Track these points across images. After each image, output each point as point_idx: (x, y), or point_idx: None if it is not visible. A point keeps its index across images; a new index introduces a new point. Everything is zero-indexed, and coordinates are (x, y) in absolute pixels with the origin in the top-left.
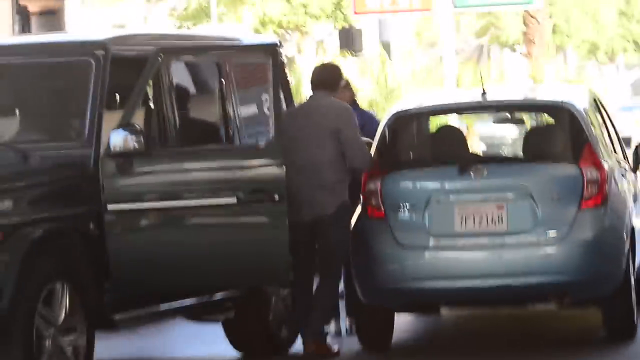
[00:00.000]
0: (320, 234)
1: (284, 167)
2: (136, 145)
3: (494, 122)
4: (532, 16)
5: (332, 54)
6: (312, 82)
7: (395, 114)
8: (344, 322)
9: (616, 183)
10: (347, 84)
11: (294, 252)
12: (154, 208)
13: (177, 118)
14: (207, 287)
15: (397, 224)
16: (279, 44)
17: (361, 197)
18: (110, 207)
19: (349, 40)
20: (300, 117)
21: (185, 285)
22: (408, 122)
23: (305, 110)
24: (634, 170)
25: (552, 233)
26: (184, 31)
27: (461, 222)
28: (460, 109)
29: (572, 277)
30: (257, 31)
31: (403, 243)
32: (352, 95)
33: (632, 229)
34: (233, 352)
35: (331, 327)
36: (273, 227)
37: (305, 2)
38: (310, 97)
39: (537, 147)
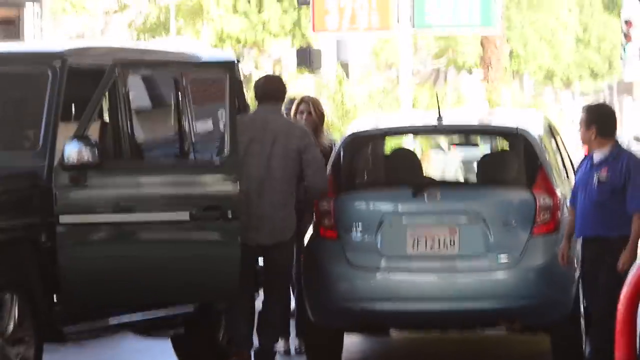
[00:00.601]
0: (270, 254)
1: (238, 183)
2: (90, 158)
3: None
4: (490, 40)
5: (290, 72)
6: (259, 94)
7: (351, 135)
8: (294, 342)
9: (568, 211)
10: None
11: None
12: (106, 221)
13: (132, 131)
14: (157, 301)
15: (349, 244)
16: (236, 60)
17: (313, 216)
18: (62, 218)
19: (306, 58)
20: (255, 130)
21: (135, 300)
22: (363, 143)
23: (259, 124)
24: None
25: (503, 258)
26: (142, 45)
27: (413, 245)
28: (416, 132)
29: (522, 302)
30: (215, 46)
31: (355, 263)
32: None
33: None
34: None
35: (280, 346)
36: (225, 244)
37: (264, 20)
38: (261, 109)
39: (491, 172)
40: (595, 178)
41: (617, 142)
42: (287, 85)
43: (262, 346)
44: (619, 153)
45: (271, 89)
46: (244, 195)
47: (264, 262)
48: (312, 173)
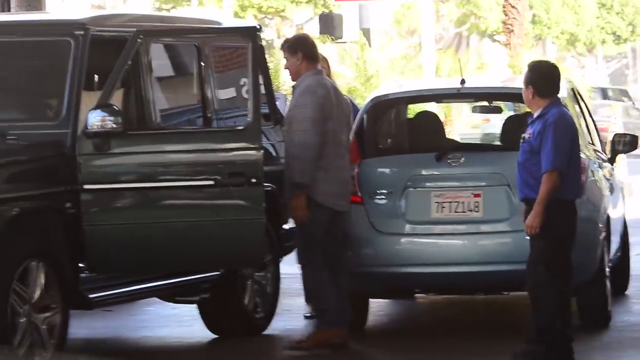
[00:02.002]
0: (341, 221)
1: (261, 150)
2: (114, 126)
3: (472, 111)
4: (512, 6)
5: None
6: (313, 55)
7: (373, 99)
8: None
9: (593, 174)
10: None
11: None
12: (131, 188)
13: (155, 100)
14: (182, 268)
15: (374, 209)
16: (258, 27)
17: None
18: (86, 186)
19: (328, 25)
20: (330, 95)
21: (160, 266)
22: (386, 108)
23: (337, 90)
24: (611, 161)
25: None
26: (163, 13)
27: (437, 209)
28: (439, 96)
29: None
30: (237, 15)
31: (379, 229)
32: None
33: (608, 219)
34: (208, 334)
35: (308, 311)
36: (249, 210)
37: None
38: (322, 73)
39: (514, 136)
40: (522, 138)
41: (553, 101)
42: None
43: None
44: (546, 113)
45: (316, 50)
46: (336, 161)
47: (331, 230)
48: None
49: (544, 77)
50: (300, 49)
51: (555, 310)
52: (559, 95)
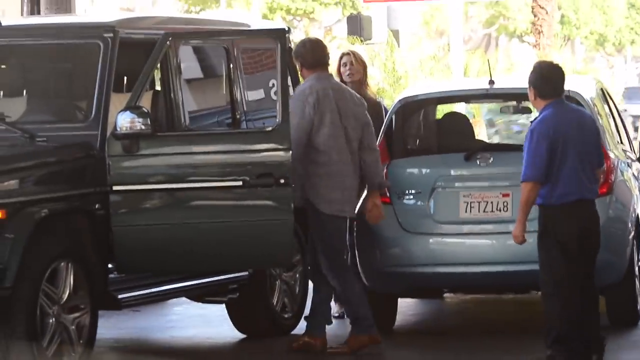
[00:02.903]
0: (349, 227)
1: (290, 151)
2: (142, 127)
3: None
4: (540, 6)
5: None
6: (311, 61)
7: (402, 100)
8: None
9: (622, 173)
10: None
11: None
12: (159, 189)
13: (184, 101)
14: (210, 268)
15: (402, 209)
16: (287, 29)
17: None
18: (115, 187)
19: (357, 27)
20: (328, 100)
21: (189, 267)
22: (415, 108)
23: (339, 94)
24: None
25: None
26: (192, 15)
27: (466, 209)
28: (467, 97)
29: None
30: (265, 17)
31: (408, 229)
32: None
33: (637, 219)
34: (236, 334)
35: (334, 311)
36: (278, 210)
37: None
38: (328, 76)
39: None
40: None
41: (552, 102)
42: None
43: (364, 319)
44: (539, 116)
45: (322, 54)
46: (333, 168)
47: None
48: (372, 145)
49: (543, 78)
50: (298, 57)
51: (560, 317)
52: (588, 96)
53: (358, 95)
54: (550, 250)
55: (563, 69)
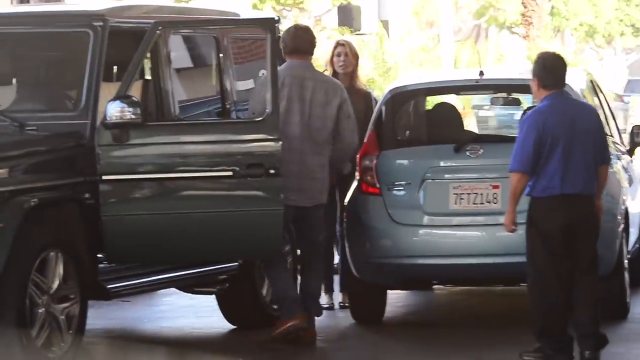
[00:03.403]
0: (307, 217)
1: (280, 141)
2: (132, 117)
3: (491, 102)
4: None
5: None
6: (297, 46)
7: (392, 90)
8: (337, 297)
9: (611, 165)
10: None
11: None
12: (149, 179)
13: (174, 90)
14: (200, 259)
15: (392, 201)
16: (277, 19)
17: (356, 173)
18: (105, 177)
19: (347, 17)
20: (294, 88)
21: (179, 257)
22: (405, 99)
23: (298, 82)
24: (630, 153)
25: None
26: (182, 5)
27: (456, 201)
28: (457, 88)
29: None
30: (255, 7)
31: (397, 220)
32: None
33: (626, 211)
34: (226, 324)
35: (324, 301)
36: (268, 201)
37: None
38: (304, 64)
39: None
40: None
41: (552, 93)
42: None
43: (316, 312)
44: (534, 108)
45: (301, 42)
46: (285, 155)
47: (299, 225)
48: (349, 128)
49: (546, 68)
50: (282, 42)
51: (539, 308)
52: (577, 87)
53: (337, 87)
54: (534, 241)
55: (565, 61)
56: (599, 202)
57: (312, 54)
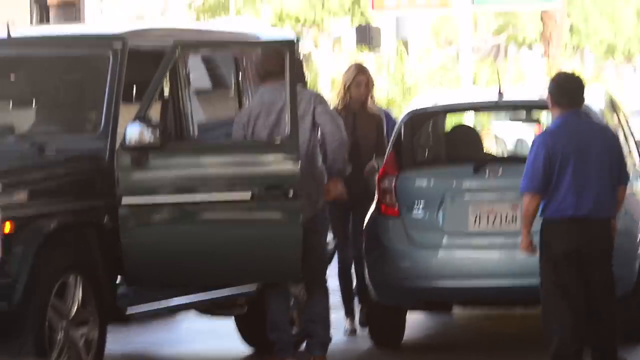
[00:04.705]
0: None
1: (299, 162)
2: (152, 139)
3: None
4: (550, 16)
5: (349, 51)
6: (269, 70)
7: (411, 112)
8: (359, 315)
9: (631, 186)
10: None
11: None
12: (168, 202)
13: (193, 112)
14: (218, 282)
15: (411, 222)
16: (296, 39)
17: (375, 194)
18: (124, 200)
19: (366, 36)
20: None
21: (198, 280)
22: (424, 120)
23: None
24: None
25: None
26: (201, 25)
27: (475, 221)
28: (476, 108)
29: None
30: (274, 26)
31: (417, 241)
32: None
33: None
34: (245, 348)
35: (346, 326)
36: (286, 223)
37: None
38: (268, 88)
39: None
40: None
41: (565, 112)
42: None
43: (321, 338)
44: (547, 127)
45: (279, 63)
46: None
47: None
48: (330, 127)
49: (559, 87)
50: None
51: (549, 331)
52: (597, 106)
53: (310, 95)
54: (545, 265)
55: (582, 80)
56: (614, 222)
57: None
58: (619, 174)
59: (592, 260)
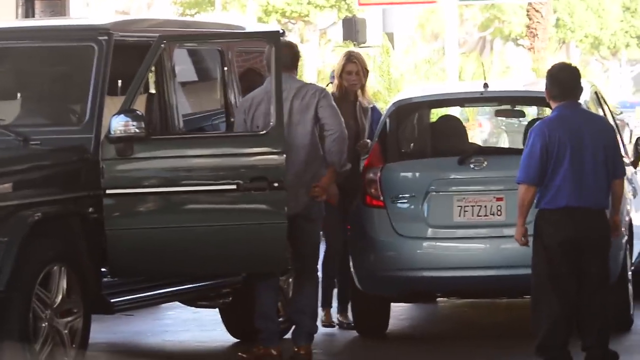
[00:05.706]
0: (297, 225)
1: (284, 154)
2: (137, 131)
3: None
4: (536, 10)
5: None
6: (285, 62)
7: (396, 103)
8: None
9: None
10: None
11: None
12: (153, 193)
13: (178, 104)
14: (203, 272)
15: (396, 213)
16: (281, 32)
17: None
18: (109, 191)
19: (352, 30)
20: (263, 105)
21: (183, 271)
22: (409, 112)
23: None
24: (634, 165)
25: None
26: (187, 18)
27: (459, 213)
28: (461, 101)
29: None
30: (260, 20)
31: (401, 232)
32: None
33: (630, 223)
34: (229, 338)
35: (322, 317)
36: (272, 214)
37: None
38: (291, 78)
39: None
40: None
41: (560, 105)
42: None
43: (308, 328)
44: (543, 119)
45: (295, 55)
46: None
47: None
48: (332, 122)
49: (552, 80)
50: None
51: (538, 323)
52: (582, 99)
53: (315, 90)
54: (538, 254)
55: (576, 71)
56: (617, 217)
57: (296, 68)
58: (615, 168)
59: (587, 250)
